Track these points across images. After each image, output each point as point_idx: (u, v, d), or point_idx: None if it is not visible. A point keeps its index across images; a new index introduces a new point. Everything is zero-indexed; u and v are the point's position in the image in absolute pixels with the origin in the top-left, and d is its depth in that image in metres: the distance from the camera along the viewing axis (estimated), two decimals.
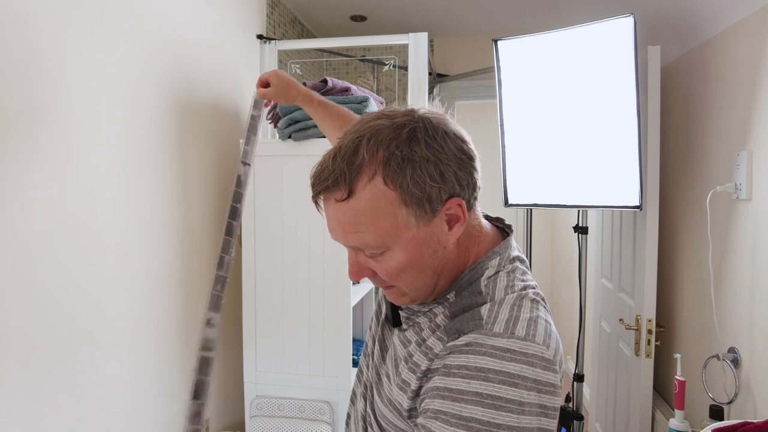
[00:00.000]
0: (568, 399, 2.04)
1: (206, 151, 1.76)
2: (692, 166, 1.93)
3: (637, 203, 1.69)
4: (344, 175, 0.63)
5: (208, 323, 0.90)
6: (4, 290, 1.02)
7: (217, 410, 1.85)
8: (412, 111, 0.67)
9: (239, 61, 2.01)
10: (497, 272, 0.71)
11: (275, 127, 1.84)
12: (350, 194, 0.63)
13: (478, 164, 0.69)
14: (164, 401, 1.54)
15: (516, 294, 0.69)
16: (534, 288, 0.72)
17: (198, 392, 0.86)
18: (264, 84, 1.29)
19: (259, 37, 2.16)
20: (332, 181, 0.64)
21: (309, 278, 1.76)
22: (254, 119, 1.33)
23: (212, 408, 1.82)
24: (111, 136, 1.31)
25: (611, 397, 2.39)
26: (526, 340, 0.63)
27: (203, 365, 0.88)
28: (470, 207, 0.70)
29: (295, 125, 1.74)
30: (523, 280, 0.72)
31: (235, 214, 1.15)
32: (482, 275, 0.71)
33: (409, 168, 0.63)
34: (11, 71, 1.03)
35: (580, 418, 1.99)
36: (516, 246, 0.78)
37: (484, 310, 0.67)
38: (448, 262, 0.70)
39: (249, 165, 1.24)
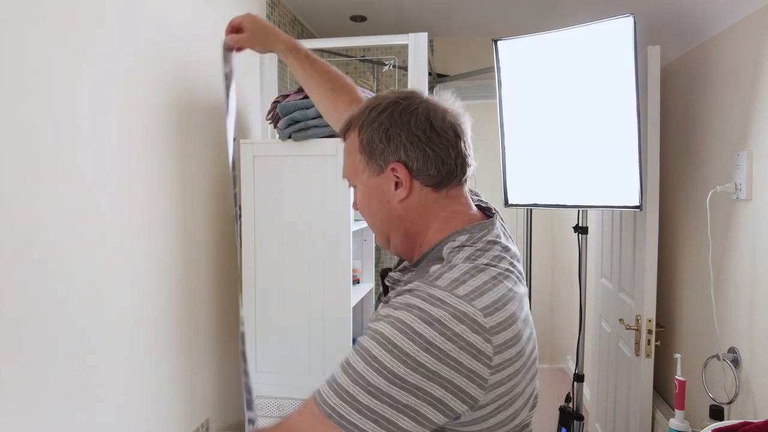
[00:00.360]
0: (568, 399, 2.05)
1: (206, 150, 1.76)
2: (692, 166, 1.93)
3: (637, 203, 1.69)
4: (346, 125, 0.85)
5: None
6: (4, 290, 1.02)
7: (217, 410, 1.85)
8: (415, 94, 0.81)
9: (239, 62, 2.01)
10: (463, 246, 0.77)
11: (275, 127, 1.84)
12: (344, 138, 0.86)
13: (451, 150, 0.79)
14: (164, 401, 1.54)
15: (473, 265, 0.73)
16: (503, 272, 0.74)
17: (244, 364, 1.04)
18: (235, 29, 1.15)
19: None
20: (341, 129, 0.86)
21: (309, 278, 1.76)
22: (227, 78, 1.13)
23: (212, 408, 1.82)
24: (111, 136, 1.31)
25: (611, 397, 2.39)
26: (462, 299, 0.67)
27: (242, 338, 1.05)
28: (433, 185, 0.79)
29: (295, 125, 1.74)
30: (491, 262, 0.75)
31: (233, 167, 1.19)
32: (447, 245, 0.78)
33: (371, 127, 0.80)
34: (11, 71, 1.03)
35: (580, 418, 1.99)
36: (503, 234, 0.83)
37: (435, 267, 0.74)
38: (396, 221, 0.82)
39: (235, 139, 1.17)
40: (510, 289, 0.72)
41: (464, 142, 0.80)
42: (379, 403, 0.63)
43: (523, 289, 0.78)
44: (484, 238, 0.78)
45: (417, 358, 0.63)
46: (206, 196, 1.76)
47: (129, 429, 1.39)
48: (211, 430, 1.80)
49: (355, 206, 0.88)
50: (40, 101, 1.10)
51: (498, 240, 0.80)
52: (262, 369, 1.81)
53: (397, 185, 0.79)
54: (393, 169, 0.78)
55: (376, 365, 0.64)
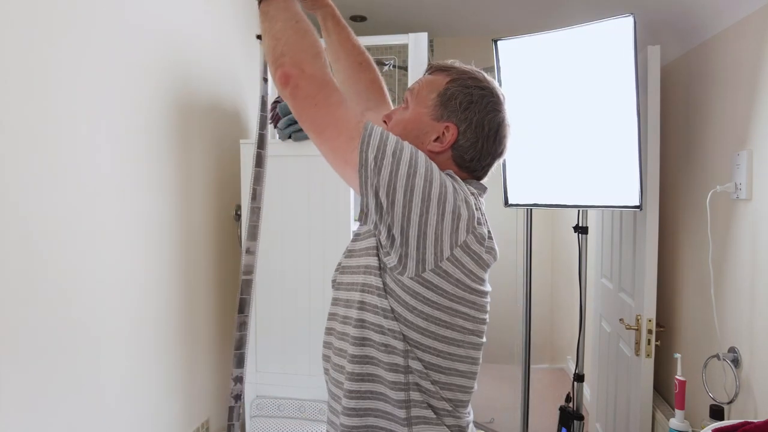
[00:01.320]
0: (568, 399, 2.04)
1: (206, 150, 1.76)
2: (692, 166, 1.93)
3: (637, 203, 1.69)
4: (443, 67, 0.95)
5: (248, 251, 1.01)
6: (5, 291, 1.02)
7: (217, 410, 1.85)
8: (504, 104, 0.93)
9: (239, 62, 2.01)
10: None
11: (275, 127, 1.84)
12: (431, 72, 0.96)
13: (489, 157, 0.92)
14: (164, 401, 1.54)
15: (446, 173, 0.84)
16: (473, 211, 0.83)
17: (242, 308, 1.05)
18: None
19: (259, 37, 2.15)
20: (437, 65, 0.96)
21: (309, 278, 1.76)
22: None
23: (212, 408, 1.82)
24: (111, 136, 1.31)
25: (611, 397, 2.39)
26: (467, 196, 0.83)
27: (245, 287, 1.03)
28: (458, 164, 0.91)
29: (295, 125, 1.74)
30: (467, 199, 0.83)
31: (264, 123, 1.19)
32: None
33: (461, 89, 0.90)
34: (11, 71, 1.03)
35: (580, 418, 1.99)
36: (479, 202, 0.92)
37: None
38: None
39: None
40: (465, 203, 0.85)
41: (496, 161, 0.95)
42: (388, 165, 0.78)
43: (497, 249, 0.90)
44: (470, 189, 0.89)
45: (431, 185, 0.78)
46: (206, 196, 1.76)
47: (129, 429, 1.39)
48: (211, 430, 1.80)
49: (389, 117, 0.96)
50: (40, 101, 1.10)
51: (481, 205, 0.91)
52: (262, 369, 1.81)
53: (437, 139, 0.90)
54: (447, 127, 0.89)
55: (410, 159, 0.79)
